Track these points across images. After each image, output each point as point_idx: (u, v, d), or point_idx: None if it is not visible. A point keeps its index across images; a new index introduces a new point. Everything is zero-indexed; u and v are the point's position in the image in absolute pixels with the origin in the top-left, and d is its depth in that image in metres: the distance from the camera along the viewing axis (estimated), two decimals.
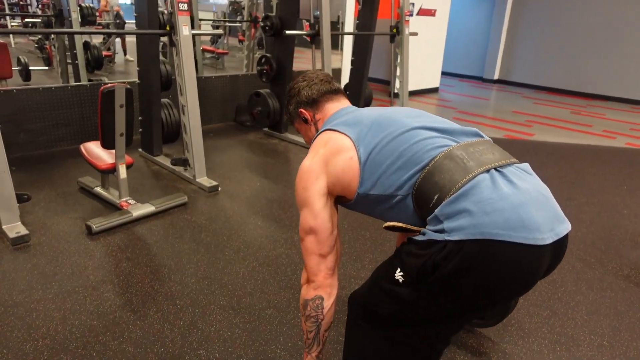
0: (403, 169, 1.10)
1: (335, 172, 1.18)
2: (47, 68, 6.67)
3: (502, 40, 8.67)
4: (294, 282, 2.15)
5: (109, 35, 7.15)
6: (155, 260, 2.28)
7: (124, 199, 2.76)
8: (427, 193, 1.06)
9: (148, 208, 2.72)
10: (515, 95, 7.91)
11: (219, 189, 3.19)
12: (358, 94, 5.34)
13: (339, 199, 1.26)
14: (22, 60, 5.30)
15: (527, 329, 1.93)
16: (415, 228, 1.11)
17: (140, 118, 3.64)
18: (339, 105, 1.40)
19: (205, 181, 3.20)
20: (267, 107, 4.40)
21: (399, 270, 1.09)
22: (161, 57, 3.60)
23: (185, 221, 2.71)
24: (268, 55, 4.47)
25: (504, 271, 0.99)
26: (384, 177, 1.12)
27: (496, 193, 0.99)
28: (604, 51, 7.56)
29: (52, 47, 5.91)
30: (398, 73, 5.09)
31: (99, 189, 2.93)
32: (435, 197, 1.04)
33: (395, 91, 5.20)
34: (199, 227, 2.64)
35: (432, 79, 7.81)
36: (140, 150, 3.79)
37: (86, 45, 4.90)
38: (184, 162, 3.32)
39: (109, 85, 2.48)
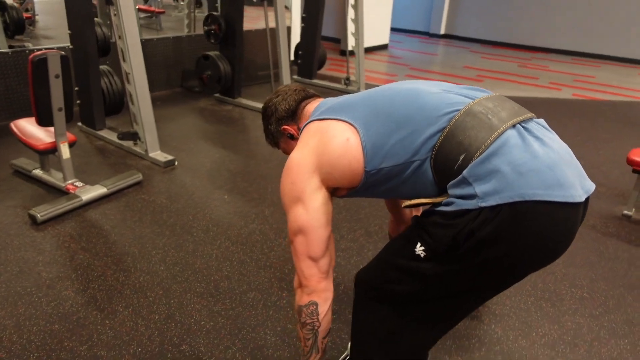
0: (416, 132, 1.00)
1: (330, 160, 1.05)
2: None
3: None
4: (273, 261, 2.02)
5: None
6: (116, 249, 2.06)
7: (70, 182, 2.47)
8: (450, 155, 0.97)
9: (99, 190, 2.45)
10: (463, 50, 7.95)
11: (176, 163, 2.95)
12: (311, 53, 5.11)
13: (334, 192, 1.12)
14: None
15: (512, 287, 1.93)
16: (439, 199, 1.01)
17: (76, 88, 3.26)
18: (317, 103, 1.25)
19: (159, 155, 2.94)
20: (218, 70, 4.10)
21: (419, 244, 1.00)
22: (97, 19, 3.20)
23: (143, 201, 2.47)
24: (215, 13, 4.12)
25: (544, 233, 0.93)
26: (395, 146, 1.01)
27: (528, 152, 0.93)
28: (544, 3, 7.70)
29: None
30: (352, 30, 4.89)
31: (38, 172, 2.61)
32: (461, 158, 0.95)
33: (350, 49, 5.02)
34: (159, 207, 2.42)
35: (382, 36, 7.65)
36: (79, 124, 3.42)
37: (2, 6, 4.29)
38: (133, 136, 3.02)
39: (40, 52, 2.15)
